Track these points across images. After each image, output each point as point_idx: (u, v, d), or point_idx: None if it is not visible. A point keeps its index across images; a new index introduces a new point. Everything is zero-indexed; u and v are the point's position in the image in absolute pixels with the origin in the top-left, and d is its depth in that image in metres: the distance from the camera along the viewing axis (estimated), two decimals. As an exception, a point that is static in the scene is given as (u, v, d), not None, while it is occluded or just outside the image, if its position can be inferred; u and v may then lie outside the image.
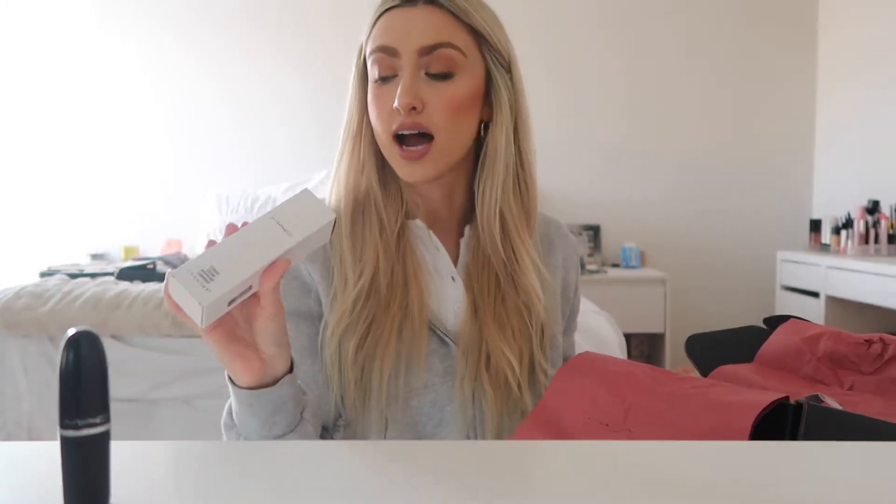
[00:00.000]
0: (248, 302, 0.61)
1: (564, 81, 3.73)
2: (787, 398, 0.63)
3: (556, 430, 0.67)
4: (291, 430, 0.69)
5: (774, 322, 0.95)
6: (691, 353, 0.91)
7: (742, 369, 0.83)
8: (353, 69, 0.84)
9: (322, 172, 3.26)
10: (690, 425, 0.62)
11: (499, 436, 0.80)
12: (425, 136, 0.78)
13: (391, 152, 0.80)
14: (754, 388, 0.69)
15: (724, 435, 0.59)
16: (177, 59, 3.76)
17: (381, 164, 0.84)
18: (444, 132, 0.78)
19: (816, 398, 0.67)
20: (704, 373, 0.85)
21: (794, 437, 0.60)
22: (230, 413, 0.71)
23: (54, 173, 3.76)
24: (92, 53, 3.75)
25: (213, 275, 0.54)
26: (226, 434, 0.72)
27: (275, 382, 0.66)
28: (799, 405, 0.62)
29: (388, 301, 0.79)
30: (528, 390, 0.81)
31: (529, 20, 3.63)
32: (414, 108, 0.77)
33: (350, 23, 0.87)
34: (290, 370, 0.68)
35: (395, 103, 0.76)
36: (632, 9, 3.74)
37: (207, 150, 3.77)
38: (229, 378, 0.67)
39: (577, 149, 3.75)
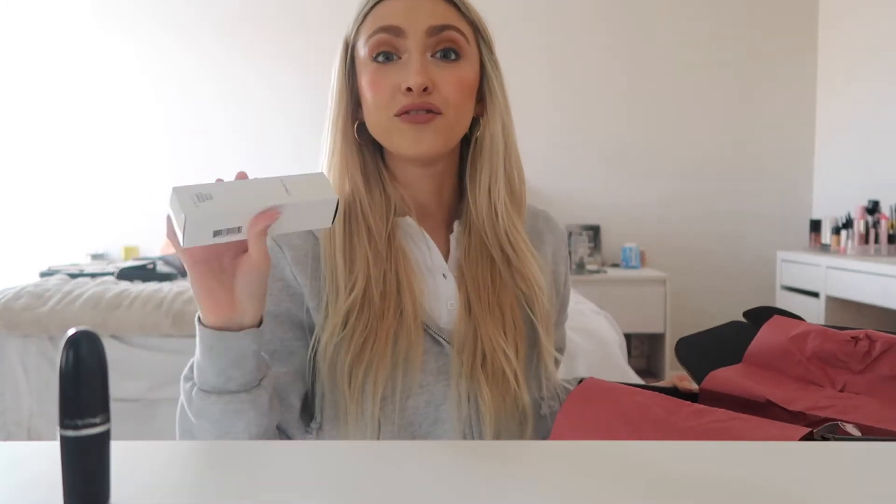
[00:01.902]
0: (238, 248, 0.65)
1: (565, 82, 3.73)
2: (811, 433, 0.62)
3: None
4: (246, 390, 0.68)
5: (755, 315, 0.94)
6: (681, 358, 0.90)
7: (733, 374, 0.82)
8: (338, 63, 0.82)
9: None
10: None
11: (497, 433, 0.79)
12: (430, 114, 0.77)
13: (392, 128, 0.78)
14: (774, 422, 0.67)
15: None
16: (177, 59, 3.76)
17: (364, 164, 0.83)
18: (453, 110, 0.78)
19: (835, 427, 0.65)
20: (697, 377, 0.84)
21: None
22: (191, 367, 0.71)
23: (54, 173, 3.76)
24: (92, 53, 3.75)
25: (207, 199, 0.60)
26: (182, 386, 0.71)
27: (239, 330, 0.67)
28: (825, 439, 0.61)
29: (383, 310, 0.77)
30: (525, 383, 0.81)
31: (531, 21, 3.63)
32: (426, 89, 0.76)
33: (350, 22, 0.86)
34: (259, 326, 0.69)
35: (409, 83, 0.75)
36: (633, 10, 3.74)
37: (207, 149, 3.77)
38: (198, 318, 0.68)
39: (578, 149, 3.76)
